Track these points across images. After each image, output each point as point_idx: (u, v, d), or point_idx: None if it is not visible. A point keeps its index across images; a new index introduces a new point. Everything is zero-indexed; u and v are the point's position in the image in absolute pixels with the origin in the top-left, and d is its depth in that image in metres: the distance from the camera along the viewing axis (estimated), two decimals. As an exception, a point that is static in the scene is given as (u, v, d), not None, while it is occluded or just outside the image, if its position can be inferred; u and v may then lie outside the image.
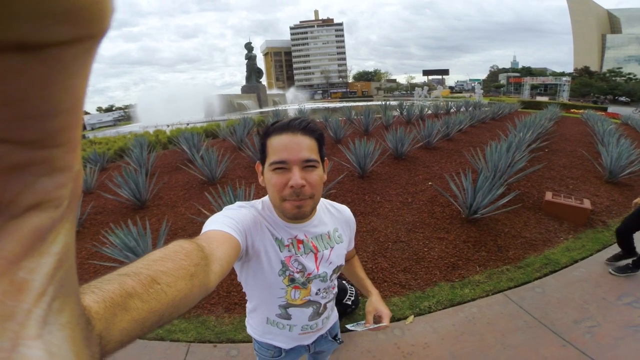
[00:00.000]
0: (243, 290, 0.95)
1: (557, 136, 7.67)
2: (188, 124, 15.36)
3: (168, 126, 15.28)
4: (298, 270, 0.85)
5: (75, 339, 0.16)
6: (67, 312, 0.15)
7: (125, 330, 0.29)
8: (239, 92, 43.61)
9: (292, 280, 0.85)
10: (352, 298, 2.37)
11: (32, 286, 0.13)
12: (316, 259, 0.89)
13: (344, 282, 2.42)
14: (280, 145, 0.75)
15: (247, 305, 1.02)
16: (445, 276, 2.71)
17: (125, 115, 47.45)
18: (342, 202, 3.50)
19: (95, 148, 8.14)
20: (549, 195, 3.80)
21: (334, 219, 0.96)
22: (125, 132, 14.55)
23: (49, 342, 0.14)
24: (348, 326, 1.02)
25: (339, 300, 2.29)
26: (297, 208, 0.76)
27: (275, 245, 0.83)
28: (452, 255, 2.95)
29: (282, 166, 0.75)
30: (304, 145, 0.76)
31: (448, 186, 4.06)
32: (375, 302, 1.02)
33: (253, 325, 1.03)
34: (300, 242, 0.86)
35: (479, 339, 2.10)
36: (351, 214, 1.04)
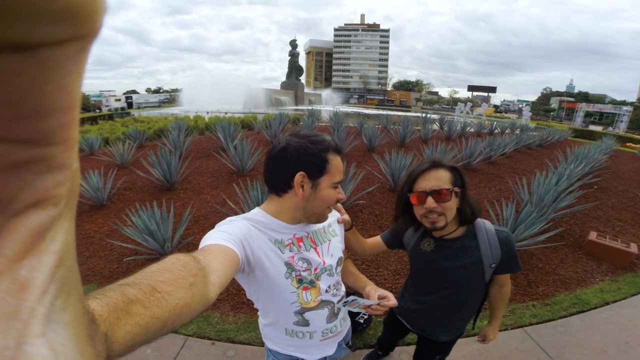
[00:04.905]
0: (255, 306, 0.96)
1: (610, 172, 6.97)
2: (226, 113, 15.78)
3: (207, 113, 15.80)
4: (304, 268, 0.88)
5: (79, 337, 0.16)
6: (70, 310, 0.15)
7: (129, 334, 0.30)
8: (278, 87, 44.38)
9: (300, 280, 0.88)
10: (365, 317, 2.23)
11: (34, 284, 0.14)
12: (318, 252, 0.93)
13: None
14: (341, 167, 0.88)
15: (261, 320, 1.02)
16: (468, 307, 2.52)
17: (170, 98, 49.95)
18: (369, 214, 3.32)
19: (137, 126, 8.56)
20: (593, 235, 3.49)
21: None
22: (167, 114, 15.28)
23: (53, 340, 0.14)
24: (348, 299, 0.90)
25: (352, 317, 2.17)
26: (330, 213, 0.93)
27: (275, 247, 0.85)
28: (479, 287, 2.74)
29: (339, 185, 0.89)
30: None
31: (485, 213, 3.77)
32: (375, 288, 0.97)
33: (274, 339, 1.01)
34: (300, 239, 0.90)
35: (486, 372, 1.97)
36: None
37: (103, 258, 2.88)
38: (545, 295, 2.73)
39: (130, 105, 38.36)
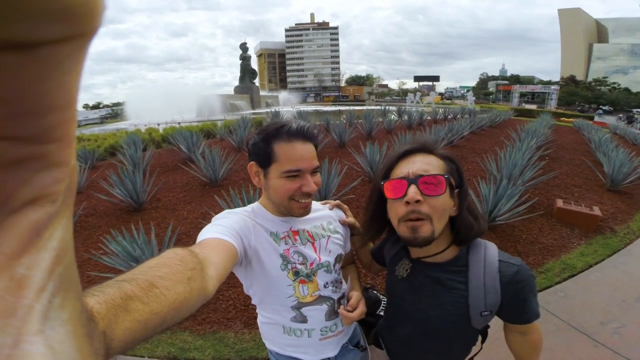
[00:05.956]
0: (252, 302, 0.94)
1: (555, 144, 7.74)
2: (180, 123, 14.92)
3: (159, 124, 14.81)
4: (300, 262, 0.87)
5: (77, 335, 0.16)
6: (68, 308, 0.15)
7: (128, 330, 0.30)
8: (230, 93, 43.06)
9: (296, 273, 0.86)
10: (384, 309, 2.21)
11: (32, 282, 0.13)
12: (314, 248, 0.90)
13: (376, 292, 2.27)
14: (295, 154, 0.79)
15: (259, 318, 0.99)
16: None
17: (112, 112, 46.29)
18: (357, 208, 3.28)
19: (85, 145, 7.75)
20: (559, 203, 3.80)
21: (325, 213, 1.00)
22: (113, 130, 14.06)
23: (51, 338, 0.14)
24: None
25: (372, 312, 2.13)
26: (304, 209, 0.84)
27: (271, 239, 0.84)
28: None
29: (296, 174, 0.80)
30: (313, 153, 0.83)
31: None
32: (357, 294, 0.92)
33: (272, 339, 0.98)
34: (296, 232, 0.89)
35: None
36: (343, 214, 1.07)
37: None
38: (536, 263, 2.91)
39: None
